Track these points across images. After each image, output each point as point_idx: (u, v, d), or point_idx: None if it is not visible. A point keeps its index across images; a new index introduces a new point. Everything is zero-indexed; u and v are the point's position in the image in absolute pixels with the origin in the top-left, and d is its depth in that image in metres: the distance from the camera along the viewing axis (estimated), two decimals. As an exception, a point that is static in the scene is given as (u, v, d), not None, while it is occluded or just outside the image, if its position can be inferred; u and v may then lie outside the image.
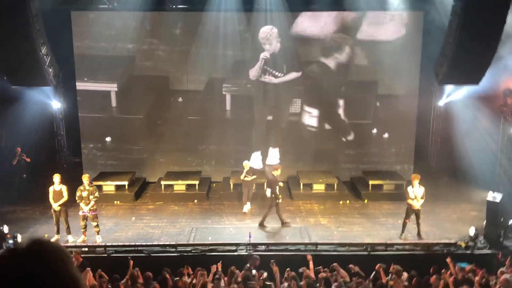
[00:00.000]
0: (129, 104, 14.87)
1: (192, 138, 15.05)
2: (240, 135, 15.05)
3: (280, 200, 11.56)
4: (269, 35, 14.56)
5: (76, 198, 10.66)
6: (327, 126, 15.21)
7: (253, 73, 14.80)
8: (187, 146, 15.15)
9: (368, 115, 15.13)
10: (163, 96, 14.87)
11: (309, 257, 8.57)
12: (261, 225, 11.52)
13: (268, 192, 12.33)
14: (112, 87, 14.69)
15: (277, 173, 11.51)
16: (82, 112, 14.83)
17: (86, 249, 10.08)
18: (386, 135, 15.21)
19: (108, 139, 15.05)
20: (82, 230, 10.78)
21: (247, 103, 14.95)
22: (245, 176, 12.61)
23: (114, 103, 14.88)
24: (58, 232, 10.77)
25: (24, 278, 1.30)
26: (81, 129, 14.94)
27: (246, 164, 12.75)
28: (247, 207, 12.67)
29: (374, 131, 15.19)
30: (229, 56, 14.42)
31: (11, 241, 10.30)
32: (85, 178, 10.85)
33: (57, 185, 10.65)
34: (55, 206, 10.55)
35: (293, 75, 14.88)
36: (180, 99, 14.89)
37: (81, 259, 8.95)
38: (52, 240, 10.27)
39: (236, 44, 14.26)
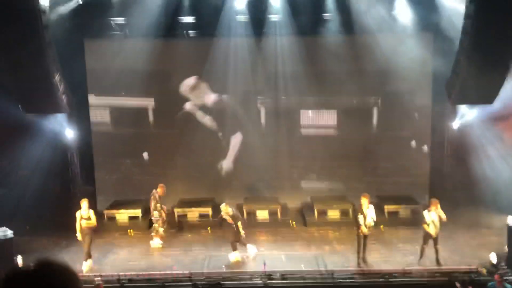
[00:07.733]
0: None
1: None
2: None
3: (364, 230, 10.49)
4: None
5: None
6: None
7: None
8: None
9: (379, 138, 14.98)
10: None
11: None
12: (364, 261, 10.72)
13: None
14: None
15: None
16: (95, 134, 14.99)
17: (100, 278, 9.93)
18: (399, 159, 14.99)
19: (145, 154, 15.11)
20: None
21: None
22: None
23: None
24: (89, 256, 10.79)
25: None
26: (94, 158, 15.03)
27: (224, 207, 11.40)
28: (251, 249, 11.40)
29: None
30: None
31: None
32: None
33: (84, 210, 10.71)
34: (79, 236, 10.66)
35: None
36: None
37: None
38: (85, 265, 10.25)
39: (247, 70, 14.29)
